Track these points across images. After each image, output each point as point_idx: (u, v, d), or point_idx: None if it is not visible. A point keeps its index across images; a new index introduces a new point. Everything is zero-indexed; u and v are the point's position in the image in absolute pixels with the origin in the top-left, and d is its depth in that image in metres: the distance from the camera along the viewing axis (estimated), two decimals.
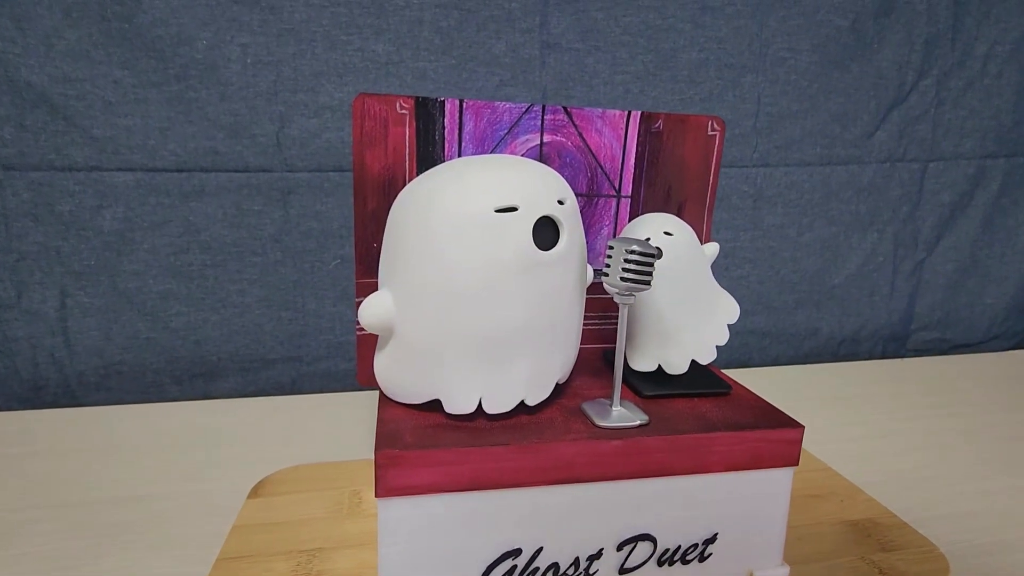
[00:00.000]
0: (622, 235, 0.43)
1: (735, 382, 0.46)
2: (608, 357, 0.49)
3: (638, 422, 0.37)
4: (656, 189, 0.53)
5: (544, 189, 0.36)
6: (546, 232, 0.36)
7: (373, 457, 0.32)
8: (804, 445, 0.60)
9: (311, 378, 0.79)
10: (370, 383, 0.51)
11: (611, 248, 0.36)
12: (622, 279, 0.35)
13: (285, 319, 0.77)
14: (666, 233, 0.41)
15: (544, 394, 0.38)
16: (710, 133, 0.52)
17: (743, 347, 0.95)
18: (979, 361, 0.96)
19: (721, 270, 0.91)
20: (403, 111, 0.46)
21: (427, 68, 0.75)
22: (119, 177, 0.69)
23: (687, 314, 0.41)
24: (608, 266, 0.36)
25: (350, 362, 0.80)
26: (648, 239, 0.41)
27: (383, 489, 0.33)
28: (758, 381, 0.88)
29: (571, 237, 0.37)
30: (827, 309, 0.97)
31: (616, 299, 0.37)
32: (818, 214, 0.93)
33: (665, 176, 0.52)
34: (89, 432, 0.65)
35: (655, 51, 0.81)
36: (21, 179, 0.67)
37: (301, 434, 0.65)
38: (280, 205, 0.74)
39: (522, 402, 0.37)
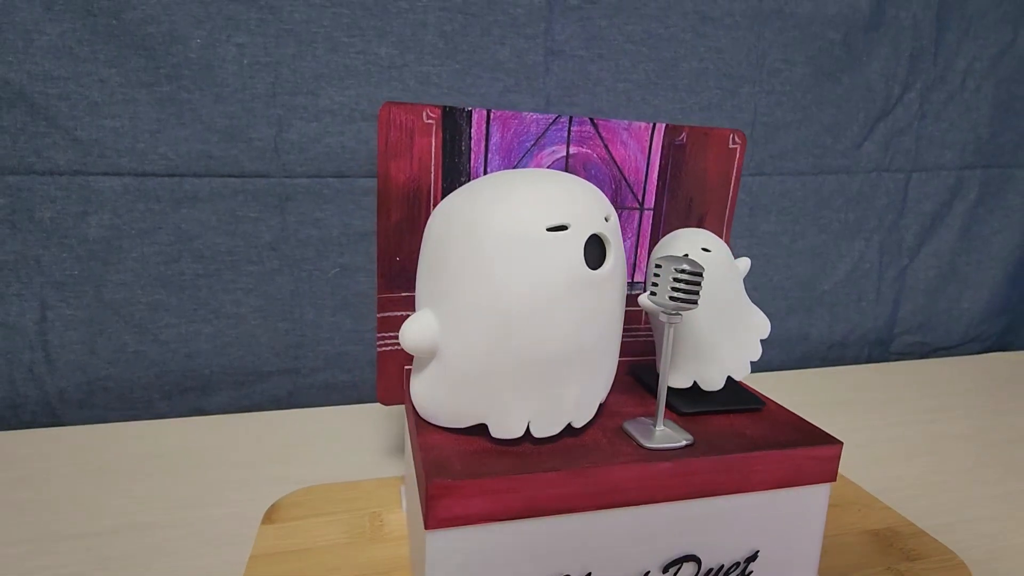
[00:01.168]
0: (660, 252, 0.43)
1: (767, 397, 0.46)
2: (634, 371, 0.48)
3: (683, 442, 0.37)
4: (678, 201, 0.52)
5: (592, 206, 0.35)
6: (593, 250, 0.35)
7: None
8: None
9: (308, 391, 0.76)
10: (392, 401, 0.49)
11: (658, 267, 0.35)
12: (671, 298, 0.35)
13: (282, 330, 0.74)
14: (704, 250, 0.41)
15: (589, 415, 0.37)
16: (731, 146, 0.52)
17: None
18: (958, 364, 1.00)
19: None
20: (429, 121, 0.44)
21: (431, 72, 0.73)
22: (105, 182, 0.65)
23: (723, 330, 0.41)
24: (656, 284, 0.35)
25: (349, 373, 0.78)
26: (686, 255, 0.40)
27: (433, 520, 0.31)
28: (755, 386, 0.89)
29: (617, 255, 0.36)
30: (817, 314, 0.99)
31: (662, 317, 0.36)
32: (810, 222, 0.95)
33: (687, 189, 0.52)
34: (73, 453, 0.61)
35: (657, 60, 0.81)
36: None
37: (304, 452, 0.62)
38: (277, 212, 0.71)
39: (568, 424, 0.36)
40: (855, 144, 0.94)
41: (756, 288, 0.94)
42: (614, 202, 0.51)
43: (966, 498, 0.56)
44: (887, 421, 0.75)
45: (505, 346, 0.33)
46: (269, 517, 0.47)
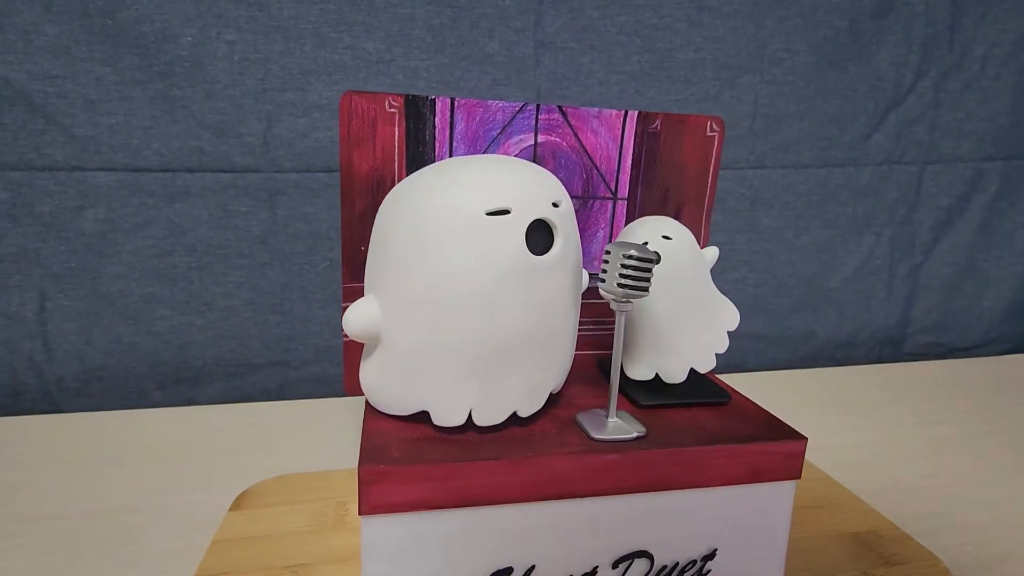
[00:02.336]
0: (619, 239, 0.42)
1: (734, 391, 0.44)
2: (603, 365, 0.47)
3: (635, 434, 0.35)
4: (653, 191, 0.51)
5: (538, 191, 0.34)
6: (540, 236, 0.34)
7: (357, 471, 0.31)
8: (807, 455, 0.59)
9: (298, 383, 0.77)
10: (357, 391, 0.49)
11: (608, 253, 0.34)
12: (619, 285, 0.34)
13: (272, 323, 0.75)
14: (665, 237, 0.39)
15: (538, 405, 0.36)
16: (709, 134, 0.51)
17: (738, 351, 0.94)
18: (976, 365, 0.96)
19: (717, 273, 0.89)
20: (392, 109, 0.44)
21: (419, 67, 0.73)
22: (101, 177, 0.67)
23: (685, 321, 0.40)
24: (605, 272, 0.35)
25: (338, 367, 0.78)
26: (646, 243, 0.39)
27: (367, 506, 0.31)
28: (754, 386, 0.87)
29: (566, 241, 0.35)
30: (823, 313, 0.96)
31: (613, 306, 0.35)
32: (815, 216, 0.92)
33: (663, 178, 0.51)
34: (68, 440, 0.62)
35: (651, 51, 0.80)
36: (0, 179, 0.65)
37: (287, 442, 0.63)
38: (267, 206, 0.72)
39: (514, 413, 0.35)
40: (863, 135, 0.91)
41: (758, 285, 0.92)
42: (585, 191, 0.50)
43: (961, 503, 0.53)
44: (890, 422, 0.72)
45: (444, 332, 0.33)
46: (238, 504, 0.48)
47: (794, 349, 0.97)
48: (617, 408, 0.38)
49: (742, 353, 0.95)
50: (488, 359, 0.33)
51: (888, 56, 0.88)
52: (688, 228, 0.49)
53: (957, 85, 0.92)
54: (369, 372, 0.36)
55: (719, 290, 0.43)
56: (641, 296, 0.34)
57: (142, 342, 0.72)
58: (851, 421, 0.73)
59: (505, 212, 0.32)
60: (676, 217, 0.52)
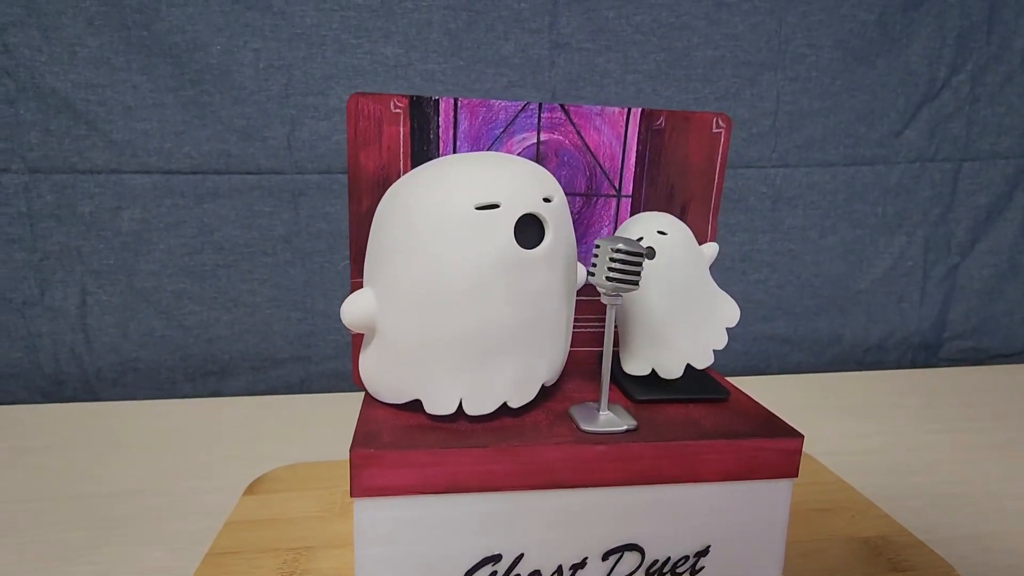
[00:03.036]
0: (618, 234, 0.42)
1: (735, 388, 0.44)
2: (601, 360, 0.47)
3: (625, 427, 0.36)
4: (658, 189, 0.51)
5: (528, 186, 0.35)
6: (531, 230, 0.35)
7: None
8: (819, 456, 0.58)
9: (320, 378, 0.80)
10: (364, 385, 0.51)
11: (597, 247, 0.35)
12: (608, 279, 0.34)
13: (295, 319, 0.78)
14: (660, 232, 0.39)
15: (528, 396, 0.37)
16: (715, 130, 0.51)
17: (761, 353, 0.92)
18: (1018, 372, 0.91)
19: (738, 273, 0.89)
20: (397, 110, 0.46)
21: (435, 70, 0.75)
22: (137, 179, 0.71)
23: (682, 317, 0.40)
24: (595, 265, 0.35)
25: None
26: (641, 238, 0.39)
27: (358, 489, 0.32)
28: (776, 388, 0.85)
29: (557, 235, 0.36)
30: (852, 315, 0.93)
31: (603, 299, 0.35)
32: (841, 216, 0.89)
33: (667, 175, 0.51)
34: (104, 427, 0.66)
35: (668, 49, 0.80)
36: (45, 181, 0.70)
37: (304, 433, 0.65)
38: (291, 207, 0.75)
39: (506, 404, 0.36)
40: (894, 132, 0.88)
41: (781, 285, 0.90)
42: (589, 189, 0.50)
43: (982, 512, 0.51)
44: (916, 428, 0.70)
45: (435, 323, 0.34)
46: (251, 489, 0.50)
47: (820, 353, 0.94)
48: (612, 403, 0.39)
49: (765, 356, 0.93)
50: (477, 350, 0.34)
51: (920, 50, 0.85)
52: (694, 226, 0.49)
53: (996, 79, 0.88)
54: (366, 362, 0.38)
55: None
56: (631, 290, 0.35)
57: (173, 336, 0.76)
58: (875, 426, 0.70)
59: (494, 207, 0.33)
60: (682, 214, 0.52)
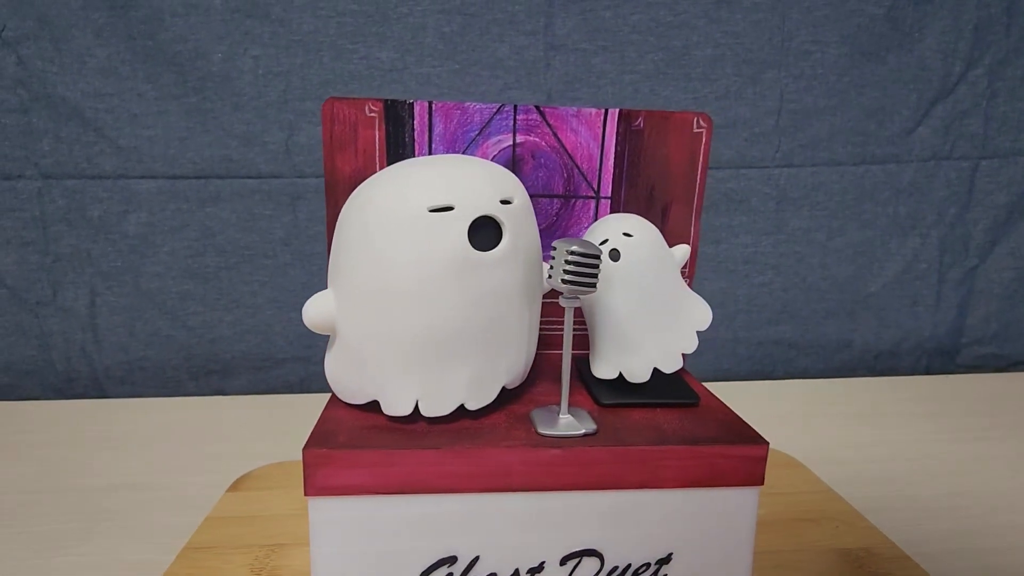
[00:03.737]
0: (585, 235, 0.42)
1: (709, 393, 0.43)
2: (581, 364, 0.47)
3: (583, 431, 0.35)
4: (638, 190, 0.50)
5: (485, 188, 0.35)
6: (489, 232, 0.35)
7: None
8: (814, 465, 0.56)
9: (318, 378, 0.81)
10: None
11: (554, 248, 0.35)
12: (563, 281, 0.34)
13: (294, 320, 0.80)
14: (625, 234, 0.39)
15: (487, 399, 0.37)
16: (696, 130, 0.50)
17: (766, 358, 0.90)
18: None
19: (742, 276, 0.87)
20: (372, 114, 0.46)
21: (431, 74, 0.76)
22: (143, 184, 0.74)
23: (648, 320, 0.39)
24: (552, 267, 0.35)
25: None
26: (606, 240, 0.39)
27: (312, 488, 0.33)
28: (781, 394, 0.83)
29: (516, 238, 0.36)
30: (862, 319, 0.90)
31: (561, 302, 0.35)
32: (850, 217, 0.87)
33: (648, 176, 0.50)
34: (110, 423, 0.69)
35: (666, 49, 0.79)
36: (57, 187, 0.73)
37: (301, 431, 0.66)
38: (289, 210, 0.77)
39: (464, 407, 0.36)
40: (905, 130, 0.85)
41: (786, 288, 0.88)
42: (567, 191, 0.50)
43: (981, 526, 0.48)
44: (925, 437, 0.67)
45: (389, 325, 0.34)
46: (235, 486, 0.51)
47: (828, 358, 0.91)
48: (579, 407, 0.38)
49: (770, 360, 0.90)
50: (431, 352, 0.34)
51: (934, 44, 0.82)
52: (676, 227, 0.48)
53: (1016, 72, 0.84)
54: (329, 363, 0.38)
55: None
56: (588, 292, 0.34)
57: (178, 336, 0.78)
58: (880, 434, 0.68)
59: (448, 209, 0.33)
60: (663, 216, 0.51)
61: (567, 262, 0.34)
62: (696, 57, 0.79)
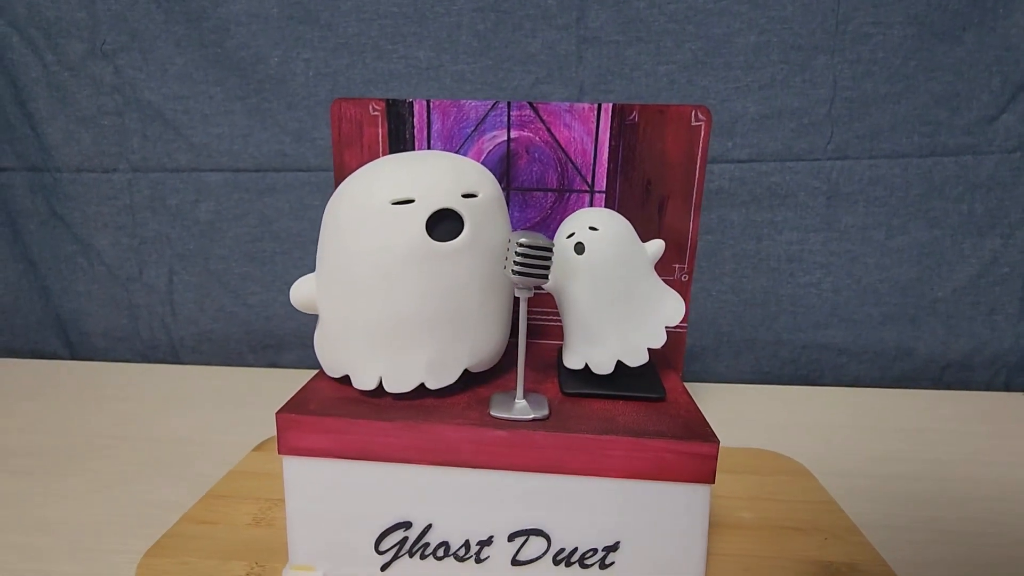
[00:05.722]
0: (559, 228, 0.43)
1: (684, 391, 0.43)
2: (560, 353, 0.48)
3: (532, 416, 0.37)
4: (633, 184, 0.50)
5: (447, 182, 0.37)
6: (452, 225, 0.37)
7: None
8: (826, 475, 0.54)
9: None
10: None
11: (509, 241, 0.36)
12: (514, 272, 0.35)
13: None
14: (591, 228, 0.40)
15: (447, 380, 0.39)
16: (694, 124, 0.49)
17: (812, 362, 0.85)
18: None
19: (785, 275, 0.82)
20: (375, 113, 0.50)
21: (465, 70, 0.79)
22: (212, 177, 0.83)
23: (611, 313, 0.40)
24: (507, 259, 0.36)
25: None
26: (572, 234, 0.40)
27: (284, 448, 0.37)
28: (821, 400, 0.79)
29: (478, 230, 0.38)
30: (926, 326, 0.82)
31: (516, 292, 0.37)
32: (914, 214, 0.79)
33: (643, 170, 0.50)
34: (179, 386, 0.79)
35: (705, 37, 0.76)
36: (144, 179, 0.84)
37: None
38: None
39: (423, 385, 0.38)
40: (986, 118, 0.76)
41: (837, 290, 0.82)
42: (561, 184, 0.51)
43: (1002, 561, 0.44)
44: (972, 458, 0.61)
45: (354, 308, 0.37)
46: (260, 446, 0.58)
47: (886, 367, 0.84)
48: (545, 395, 0.40)
49: (817, 365, 0.85)
50: (392, 334, 0.37)
51: (1022, 20, 0.73)
52: (673, 221, 0.48)
53: None
54: (316, 339, 0.42)
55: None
56: (539, 282, 0.36)
57: (239, 312, 0.87)
58: (918, 451, 0.63)
59: (409, 202, 0.36)
60: (660, 210, 0.51)
61: (517, 253, 0.35)
62: (738, 45, 0.76)
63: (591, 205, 0.51)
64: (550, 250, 0.35)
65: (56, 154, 0.83)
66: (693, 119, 0.48)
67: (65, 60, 0.80)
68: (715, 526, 0.45)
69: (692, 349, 0.86)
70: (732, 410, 0.72)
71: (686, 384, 0.43)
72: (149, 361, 0.89)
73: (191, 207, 0.84)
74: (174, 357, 0.89)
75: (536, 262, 0.35)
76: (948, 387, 0.83)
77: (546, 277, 0.36)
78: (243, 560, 0.41)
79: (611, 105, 0.49)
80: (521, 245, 0.35)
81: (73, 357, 0.91)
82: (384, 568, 0.38)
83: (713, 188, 0.80)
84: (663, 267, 0.51)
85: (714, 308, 0.84)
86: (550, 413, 0.38)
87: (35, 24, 0.80)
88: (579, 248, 0.39)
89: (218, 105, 0.81)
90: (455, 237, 0.37)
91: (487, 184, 0.39)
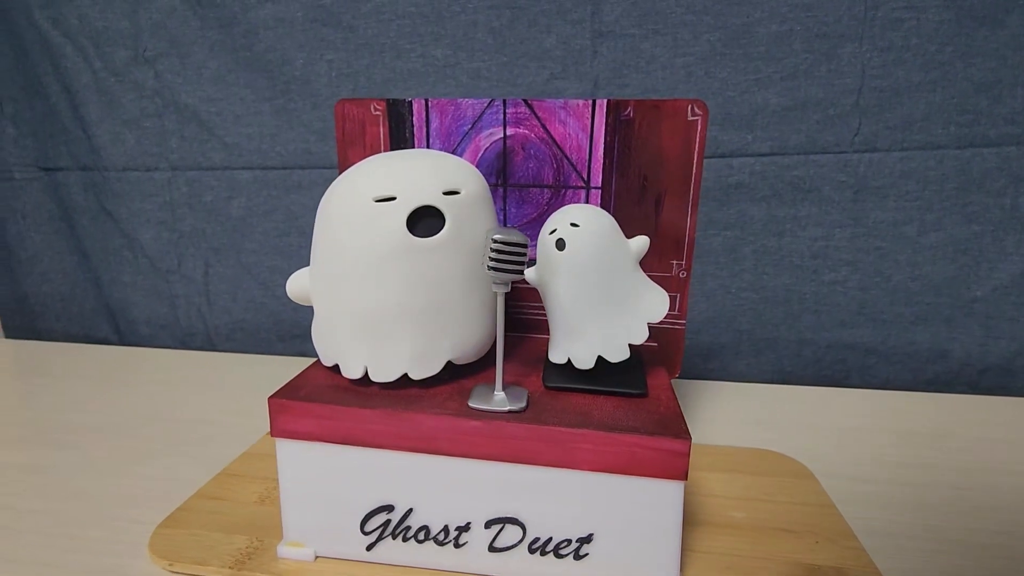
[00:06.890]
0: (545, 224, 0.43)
1: (668, 388, 0.42)
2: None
3: (508, 408, 0.38)
4: (629, 180, 0.50)
5: (429, 180, 0.38)
6: (434, 221, 0.38)
7: None
8: (830, 478, 0.52)
9: None
10: None
11: (485, 237, 0.37)
12: (488, 267, 0.36)
13: None
14: (573, 224, 0.40)
15: (430, 371, 0.40)
16: (691, 118, 0.48)
17: (838, 363, 0.82)
18: None
19: (809, 272, 0.80)
20: (377, 112, 0.52)
21: (481, 68, 0.80)
22: (243, 175, 0.88)
23: (593, 309, 0.40)
24: (484, 254, 0.37)
25: None
26: (554, 230, 0.40)
27: (275, 431, 0.40)
28: (843, 402, 0.76)
29: (459, 226, 0.39)
30: (963, 328, 0.78)
31: (492, 287, 0.38)
32: (950, 209, 0.75)
33: (639, 166, 0.50)
34: (213, 372, 0.84)
35: (723, 28, 0.74)
36: (182, 177, 0.89)
37: None
38: None
39: (406, 376, 0.40)
40: None
41: (864, 288, 0.79)
42: (557, 181, 0.51)
43: (1007, 573, 0.42)
44: (998, 467, 0.58)
45: (340, 301, 0.39)
46: None
47: (919, 369, 0.80)
48: (527, 388, 0.41)
49: (843, 366, 0.82)
50: (375, 325, 0.39)
51: None
52: (670, 217, 0.48)
53: None
54: (312, 329, 0.45)
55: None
56: (514, 278, 0.37)
57: (269, 304, 0.92)
58: (934, 457, 0.60)
59: (391, 199, 0.38)
60: (657, 206, 0.50)
61: (491, 249, 0.36)
62: (758, 35, 0.74)
63: (587, 201, 0.51)
64: (524, 246, 0.36)
65: (104, 154, 0.90)
66: (690, 113, 0.48)
67: (111, 66, 0.86)
68: (704, 524, 0.45)
69: (710, 347, 0.84)
70: (745, 410, 0.70)
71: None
72: (188, 348, 0.95)
73: (224, 203, 0.89)
74: (210, 345, 0.95)
75: (509, 258, 0.36)
76: (987, 392, 0.79)
77: (520, 273, 0.36)
78: (245, 535, 0.44)
79: (606, 101, 0.49)
80: (495, 241, 0.36)
81: (122, 343, 0.98)
82: (369, 548, 0.40)
83: (733, 183, 0.78)
84: (661, 264, 0.51)
85: (733, 306, 0.83)
86: (528, 406, 0.38)
87: (85, 34, 0.86)
88: (560, 244, 0.40)
89: (248, 106, 0.85)
90: (436, 233, 0.38)
91: (471, 181, 0.40)
